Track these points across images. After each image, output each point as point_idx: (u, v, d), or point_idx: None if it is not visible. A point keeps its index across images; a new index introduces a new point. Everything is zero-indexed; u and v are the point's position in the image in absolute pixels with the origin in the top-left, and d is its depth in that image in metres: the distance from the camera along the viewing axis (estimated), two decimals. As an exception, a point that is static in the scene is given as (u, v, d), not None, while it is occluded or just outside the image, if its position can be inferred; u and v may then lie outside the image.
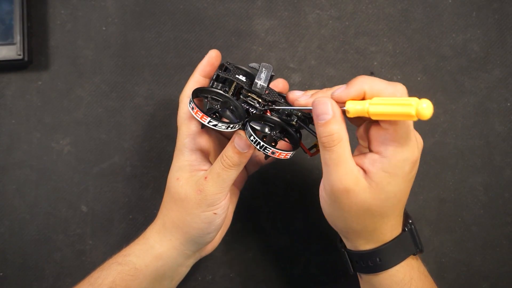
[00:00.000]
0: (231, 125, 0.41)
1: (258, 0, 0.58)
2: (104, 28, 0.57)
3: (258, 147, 0.40)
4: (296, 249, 0.55)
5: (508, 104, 0.57)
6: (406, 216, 0.42)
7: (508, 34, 0.58)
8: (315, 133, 0.42)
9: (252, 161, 0.51)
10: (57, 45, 0.56)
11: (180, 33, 0.57)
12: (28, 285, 0.53)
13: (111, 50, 0.57)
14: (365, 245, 0.40)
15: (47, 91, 0.56)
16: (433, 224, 0.56)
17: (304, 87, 0.57)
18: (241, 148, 0.41)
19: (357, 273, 0.44)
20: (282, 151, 0.41)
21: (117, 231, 0.54)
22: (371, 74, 0.57)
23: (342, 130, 0.37)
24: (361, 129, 0.41)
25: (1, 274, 0.53)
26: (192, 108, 0.41)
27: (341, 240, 0.44)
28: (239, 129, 0.42)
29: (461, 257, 0.55)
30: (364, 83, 0.37)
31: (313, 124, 0.44)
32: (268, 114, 0.43)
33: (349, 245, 0.42)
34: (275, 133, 0.42)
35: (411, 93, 0.59)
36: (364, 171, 0.37)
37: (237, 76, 0.43)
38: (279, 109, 0.43)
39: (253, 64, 0.44)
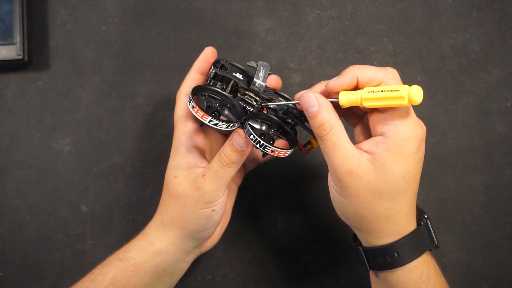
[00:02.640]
0: (231, 124, 0.41)
1: (258, 0, 0.58)
2: (104, 28, 0.57)
3: (258, 145, 0.40)
4: (296, 249, 0.55)
5: (508, 104, 0.57)
6: (420, 211, 0.42)
7: (508, 34, 0.58)
8: (310, 130, 0.42)
9: (249, 158, 0.51)
10: (57, 45, 0.56)
11: (180, 33, 0.57)
12: (28, 285, 0.53)
13: (111, 50, 0.57)
14: (381, 239, 0.39)
15: (47, 91, 0.56)
16: (433, 224, 0.56)
17: (304, 87, 0.57)
18: (239, 146, 0.41)
19: (371, 273, 0.43)
20: (281, 149, 0.41)
21: (117, 231, 0.55)
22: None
23: (332, 118, 0.37)
24: (359, 128, 0.42)
25: (1, 274, 0.53)
26: (193, 107, 0.41)
27: (354, 238, 0.44)
28: (238, 127, 0.42)
29: (461, 257, 0.55)
30: (355, 71, 0.38)
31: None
32: (265, 112, 0.43)
33: (364, 242, 0.41)
34: (273, 131, 0.43)
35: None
36: (369, 154, 0.37)
37: (234, 74, 0.43)
38: (275, 106, 0.43)
39: (251, 63, 0.44)
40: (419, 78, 0.57)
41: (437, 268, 0.41)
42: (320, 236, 0.55)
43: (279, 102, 0.43)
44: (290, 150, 0.42)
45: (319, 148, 0.43)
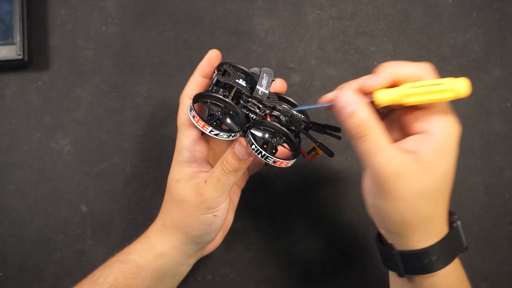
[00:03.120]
0: (232, 134, 0.41)
1: (258, 0, 0.58)
2: (104, 28, 0.57)
3: (259, 156, 0.40)
4: (296, 249, 0.55)
5: (508, 104, 0.57)
6: (450, 213, 0.40)
7: (508, 34, 0.58)
8: (315, 138, 0.42)
9: (253, 162, 0.50)
10: (57, 45, 0.56)
11: (180, 33, 0.57)
12: (28, 285, 0.53)
13: (111, 50, 0.57)
14: (421, 242, 0.37)
15: (47, 91, 0.56)
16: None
17: (304, 87, 0.57)
18: (241, 155, 0.41)
19: (394, 276, 0.41)
20: (283, 160, 0.40)
21: (117, 231, 0.54)
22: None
23: (371, 118, 0.35)
24: (389, 124, 0.40)
25: (1, 274, 0.53)
26: (193, 117, 0.41)
27: (381, 240, 0.41)
28: (240, 136, 0.41)
29: (461, 257, 0.55)
30: (392, 68, 0.36)
31: (314, 130, 0.44)
32: (268, 119, 0.42)
33: (401, 245, 0.39)
34: (276, 140, 0.42)
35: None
36: (411, 153, 0.36)
37: (237, 80, 0.42)
38: (280, 114, 0.42)
39: (254, 69, 0.43)
40: (419, 78, 0.57)
41: (464, 272, 0.40)
42: (320, 236, 0.55)
43: (284, 108, 0.42)
44: (292, 161, 0.41)
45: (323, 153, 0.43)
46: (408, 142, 0.36)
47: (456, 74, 0.58)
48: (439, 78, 0.36)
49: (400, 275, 0.39)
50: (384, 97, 0.36)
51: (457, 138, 0.36)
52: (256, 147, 0.39)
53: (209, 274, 0.55)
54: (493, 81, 0.57)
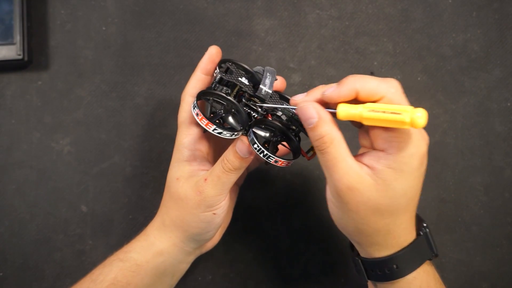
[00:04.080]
0: (235, 133, 0.41)
1: (258, 0, 0.58)
2: (104, 28, 0.57)
3: (261, 155, 0.40)
4: (296, 249, 0.55)
5: (508, 104, 0.57)
6: (419, 220, 0.41)
7: (508, 34, 0.58)
8: None
9: (253, 159, 0.51)
10: (57, 45, 0.56)
11: (180, 33, 0.57)
12: (28, 285, 0.53)
13: (111, 50, 0.57)
14: (380, 252, 0.38)
15: (47, 91, 0.56)
16: (433, 224, 0.56)
17: (304, 87, 0.57)
18: (242, 153, 0.40)
19: (370, 282, 0.42)
20: (284, 160, 0.41)
21: (117, 231, 0.54)
22: (371, 74, 0.57)
23: (332, 131, 0.36)
24: (363, 130, 0.40)
25: (1, 274, 0.53)
26: (197, 114, 0.41)
27: (352, 246, 0.43)
28: (242, 134, 0.42)
29: (461, 257, 0.55)
30: (355, 82, 0.35)
31: None
32: (269, 118, 0.42)
33: (362, 253, 0.40)
34: (277, 139, 0.42)
35: (411, 93, 0.60)
36: (370, 169, 0.36)
37: (240, 79, 0.42)
38: (278, 110, 0.42)
39: (257, 68, 0.43)
40: (419, 78, 0.57)
41: (437, 276, 0.40)
42: (320, 236, 0.55)
43: (279, 105, 0.42)
44: (293, 160, 0.41)
45: None
46: (369, 157, 0.37)
47: (456, 74, 0.58)
48: (403, 99, 0.36)
49: (364, 280, 0.41)
50: (344, 113, 0.36)
51: (420, 158, 0.36)
52: (258, 146, 0.39)
53: (209, 274, 0.55)
54: (493, 81, 0.57)
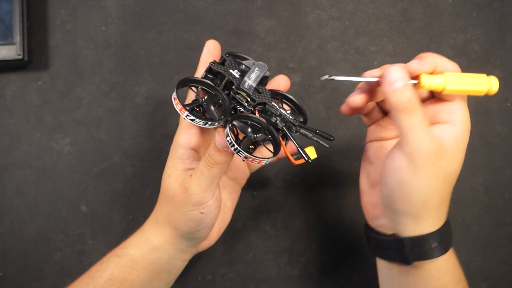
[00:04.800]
0: (209, 122, 0.40)
1: (258, 0, 0.58)
2: (104, 28, 0.57)
3: (232, 148, 0.38)
4: (296, 249, 0.55)
5: (508, 104, 0.57)
6: None
7: (508, 34, 0.58)
8: (298, 143, 0.40)
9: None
10: (57, 45, 0.56)
11: (180, 33, 0.57)
12: (28, 285, 0.53)
13: (111, 50, 0.57)
14: (432, 226, 0.39)
15: (47, 91, 0.56)
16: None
17: (304, 87, 0.57)
18: (220, 146, 0.40)
19: (386, 265, 0.42)
20: (255, 158, 0.39)
21: (117, 231, 0.54)
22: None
23: (417, 97, 0.38)
24: (374, 127, 0.44)
25: (1, 274, 0.53)
26: (174, 99, 0.40)
27: (373, 232, 0.43)
28: (221, 126, 0.40)
29: (461, 257, 0.55)
30: (435, 57, 0.39)
31: (301, 133, 0.42)
32: (257, 114, 0.41)
33: (408, 230, 0.39)
34: (256, 136, 0.40)
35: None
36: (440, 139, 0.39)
37: (230, 70, 0.41)
38: (269, 109, 0.41)
39: (248, 62, 0.43)
40: (419, 78, 0.57)
41: (458, 265, 0.42)
42: (320, 236, 0.55)
43: (274, 106, 0.41)
44: (265, 159, 0.39)
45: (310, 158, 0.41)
46: (437, 128, 0.39)
47: (456, 74, 0.58)
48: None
49: (408, 262, 0.40)
50: (428, 82, 0.38)
51: (468, 136, 0.41)
52: (230, 139, 0.38)
53: (209, 274, 0.55)
54: (493, 81, 0.57)
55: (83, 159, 0.55)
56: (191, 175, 0.41)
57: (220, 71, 0.41)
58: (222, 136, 0.39)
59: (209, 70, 0.42)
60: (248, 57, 0.44)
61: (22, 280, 0.53)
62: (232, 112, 0.42)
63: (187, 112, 0.40)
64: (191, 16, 0.57)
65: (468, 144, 0.56)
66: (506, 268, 0.55)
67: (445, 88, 0.38)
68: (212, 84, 0.41)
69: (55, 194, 0.54)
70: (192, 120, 0.40)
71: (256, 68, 0.41)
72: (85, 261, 0.54)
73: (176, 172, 0.43)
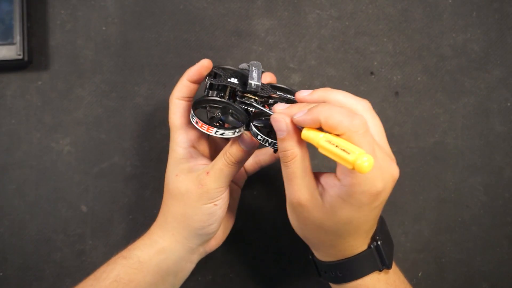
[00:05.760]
0: (236, 130, 0.42)
1: (258, 0, 0.58)
2: (104, 28, 0.57)
3: (267, 144, 0.41)
4: (296, 249, 0.55)
5: (508, 104, 0.57)
6: (375, 233, 0.41)
7: (508, 34, 0.58)
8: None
9: (251, 162, 0.52)
10: (57, 45, 0.56)
11: (180, 33, 0.57)
12: (28, 285, 0.53)
13: (111, 50, 0.57)
14: (326, 258, 0.42)
15: (47, 91, 0.56)
16: (433, 224, 0.56)
17: (304, 87, 0.57)
18: (246, 147, 0.42)
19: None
20: None
21: (117, 231, 0.54)
22: (371, 74, 0.57)
23: (296, 148, 0.38)
24: None
25: (1, 274, 0.53)
26: (196, 122, 0.42)
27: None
28: (244, 130, 0.43)
29: (461, 257, 0.55)
30: (321, 113, 0.35)
31: None
32: (266, 108, 0.44)
33: (315, 253, 0.44)
34: None
35: (411, 93, 0.60)
36: (324, 190, 0.38)
37: (229, 79, 0.44)
38: (274, 102, 0.44)
39: (243, 65, 0.45)
40: (419, 78, 0.57)
41: (391, 281, 0.42)
42: (320, 236, 0.55)
43: (279, 95, 0.44)
44: None
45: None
46: (327, 179, 0.38)
47: (456, 74, 0.58)
48: (363, 140, 0.35)
49: (317, 276, 0.45)
50: (306, 136, 0.37)
51: (372, 196, 0.36)
52: (261, 137, 0.41)
53: (209, 274, 0.55)
54: (493, 81, 0.57)
55: (83, 159, 0.55)
56: (207, 172, 0.43)
57: (222, 83, 0.44)
58: (247, 138, 0.42)
59: (210, 87, 0.44)
60: (230, 67, 0.46)
61: (22, 280, 0.53)
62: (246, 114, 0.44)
63: (215, 129, 0.42)
64: (191, 16, 0.57)
65: (468, 144, 0.56)
66: (506, 268, 0.55)
67: (318, 148, 0.36)
68: (219, 98, 0.44)
69: (55, 194, 0.55)
70: (222, 134, 0.42)
71: (253, 68, 0.43)
72: (85, 261, 0.54)
73: (184, 171, 0.45)
